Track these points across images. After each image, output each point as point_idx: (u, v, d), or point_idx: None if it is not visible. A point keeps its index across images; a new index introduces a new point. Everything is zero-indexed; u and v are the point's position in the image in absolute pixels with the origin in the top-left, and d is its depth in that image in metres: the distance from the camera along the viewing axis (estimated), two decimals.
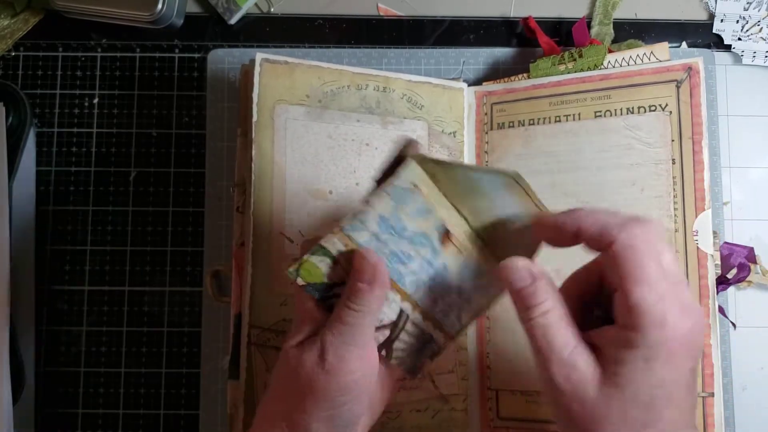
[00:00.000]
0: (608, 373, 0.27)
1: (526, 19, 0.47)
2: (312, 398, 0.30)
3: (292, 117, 0.42)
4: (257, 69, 0.41)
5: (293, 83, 0.42)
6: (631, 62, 0.43)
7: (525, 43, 0.48)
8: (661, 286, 0.26)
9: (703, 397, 0.40)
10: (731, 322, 0.45)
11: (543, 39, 0.46)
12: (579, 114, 0.43)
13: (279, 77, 0.41)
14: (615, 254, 0.27)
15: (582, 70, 0.44)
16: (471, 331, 0.43)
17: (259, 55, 0.41)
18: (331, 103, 0.42)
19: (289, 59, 0.42)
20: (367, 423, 0.33)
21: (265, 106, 0.40)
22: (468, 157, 0.45)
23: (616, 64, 0.43)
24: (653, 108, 0.42)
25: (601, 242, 0.27)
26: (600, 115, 0.43)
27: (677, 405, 0.27)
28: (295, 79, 0.42)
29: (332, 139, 0.42)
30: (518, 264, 0.29)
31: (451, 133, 0.45)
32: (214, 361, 0.45)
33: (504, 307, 0.42)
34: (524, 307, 0.29)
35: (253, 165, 0.40)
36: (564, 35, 0.48)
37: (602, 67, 0.44)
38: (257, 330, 0.39)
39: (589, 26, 0.48)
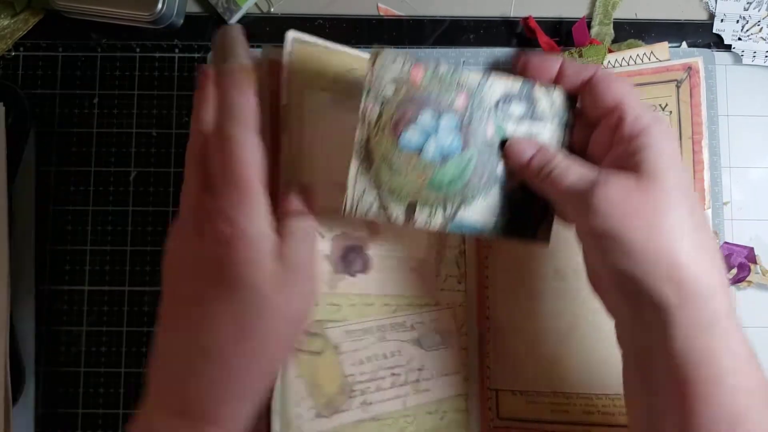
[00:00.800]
0: (641, 175, 0.29)
1: (526, 19, 0.47)
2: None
3: (318, 104, 0.38)
4: (287, 48, 0.37)
5: (323, 68, 0.38)
6: (631, 62, 0.43)
7: (525, 43, 0.48)
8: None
9: None
10: None
11: (543, 39, 0.46)
12: None
13: (307, 61, 0.38)
14: (598, 80, 0.32)
15: None
16: (471, 331, 0.43)
17: (291, 34, 0.36)
18: (355, 90, 0.37)
19: (320, 41, 0.38)
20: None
21: (294, 91, 0.37)
22: None
23: (616, 64, 0.43)
24: (653, 108, 0.42)
25: (581, 76, 0.33)
26: None
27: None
28: (324, 63, 0.38)
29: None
30: (521, 140, 0.34)
31: None
32: None
33: (506, 309, 0.43)
34: (540, 167, 0.32)
35: (281, 155, 0.37)
36: (564, 35, 0.48)
37: (602, 67, 0.44)
38: None
39: (589, 26, 0.48)
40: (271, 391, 0.35)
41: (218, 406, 0.29)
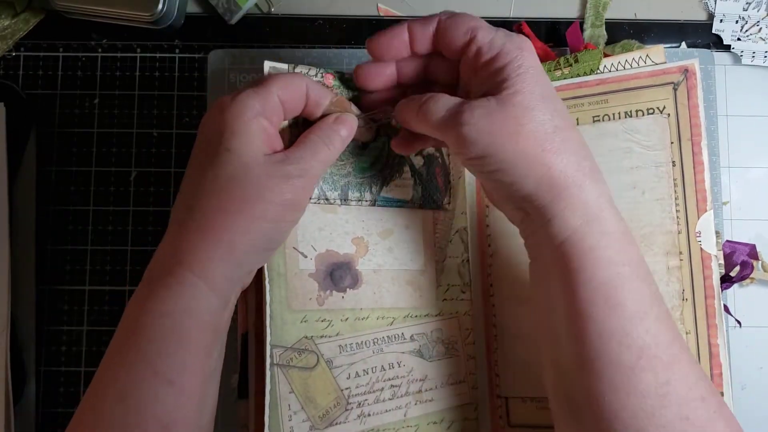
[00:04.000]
0: (500, 93, 0.32)
1: (519, 25, 0.48)
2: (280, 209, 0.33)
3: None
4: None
5: None
6: (627, 66, 0.44)
7: None
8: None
9: None
10: (737, 321, 0.46)
11: (537, 44, 0.46)
12: (577, 119, 0.43)
13: None
14: (444, 24, 0.34)
15: (578, 75, 0.44)
16: (479, 340, 0.43)
17: (267, 64, 0.39)
18: None
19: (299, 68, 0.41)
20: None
21: None
22: None
23: (612, 69, 0.44)
24: (651, 111, 0.42)
25: (428, 31, 0.35)
26: (598, 120, 0.43)
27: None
28: None
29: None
30: (402, 101, 0.36)
31: None
32: (223, 378, 0.44)
33: (512, 316, 0.43)
34: (416, 109, 0.34)
35: None
36: (560, 38, 0.48)
37: (598, 71, 0.44)
38: (279, 349, 0.38)
39: (582, 28, 0.48)
40: (263, 392, 0.37)
41: (194, 252, 0.32)
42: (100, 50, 0.49)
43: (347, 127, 0.36)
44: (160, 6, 0.45)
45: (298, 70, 0.38)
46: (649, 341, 0.30)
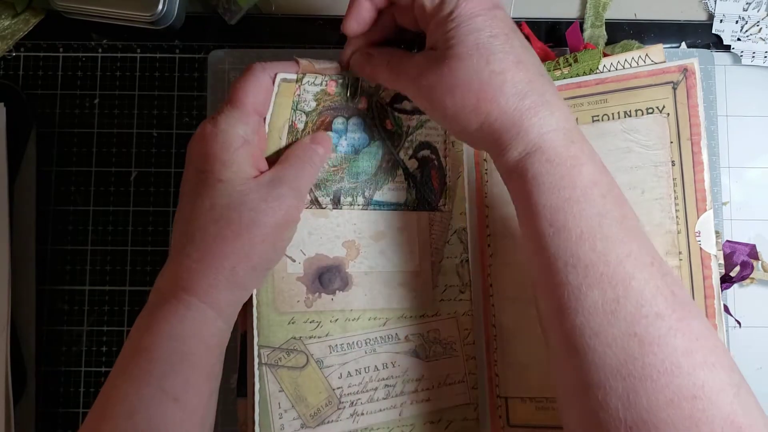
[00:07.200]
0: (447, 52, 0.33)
1: (519, 25, 0.47)
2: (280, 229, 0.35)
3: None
4: (275, 89, 0.39)
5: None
6: (627, 65, 0.44)
7: None
8: None
9: None
10: (737, 321, 0.46)
11: (537, 45, 0.46)
12: (577, 119, 0.43)
13: (291, 96, 0.40)
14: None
15: (578, 75, 0.44)
16: (479, 340, 0.43)
17: (280, 76, 0.39)
18: None
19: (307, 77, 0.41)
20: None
21: (275, 127, 0.39)
22: (468, 165, 0.45)
23: (612, 68, 0.44)
24: (650, 110, 0.42)
25: None
26: (597, 120, 0.43)
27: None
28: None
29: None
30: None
31: (451, 141, 0.45)
32: (223, 378, 0.44)
33: (512, 316, 0.43)
34: (365, 64, 0.38)
35: None
36: (560, 38, 0.48)
37: (597, 71, 0.44)
38: (267, 350, 0.39)
39: (582, 28, 0.48)
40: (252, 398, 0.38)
41: (198, 279, 0.33)
42: (100, 50, 0.49)
43: (323, 145, 0.39)
44: (160, 6, 0.45)
45: (306, 80, 0.39)
46: (594, 259, 0.30)
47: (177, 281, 0.34)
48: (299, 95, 0.39)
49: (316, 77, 0.40)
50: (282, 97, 0.39)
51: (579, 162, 0.32)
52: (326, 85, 0.40)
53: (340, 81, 0.40)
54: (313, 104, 0.40)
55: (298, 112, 0.39)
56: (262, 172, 0.36)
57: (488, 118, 0.32)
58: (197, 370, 0.33)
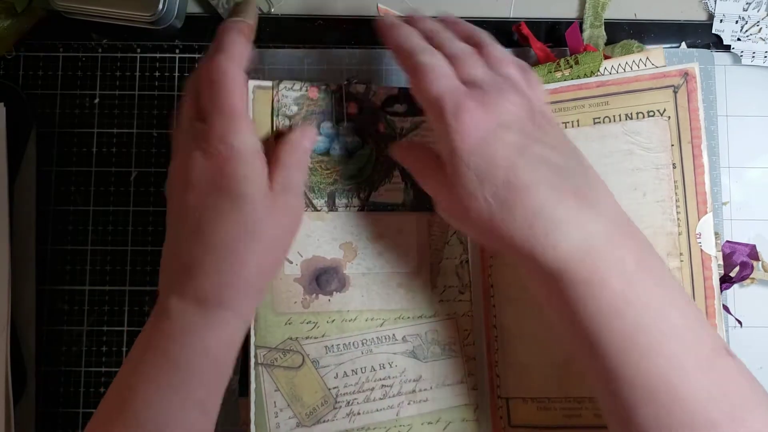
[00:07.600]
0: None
1: (518, 26, 0.48)
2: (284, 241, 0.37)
3: None
4: (251, 96, 0.41)
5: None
6: (628, 68, 0.44)
7: (520, 48, 0.49)
8: None
9: None
10: (737, 321, 0.46)
11: (536, 45, 0.46)
12: (578, 121, 0.43)
13: (269, 103, 0.41)
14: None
15: (579, 77, 0.44)
16: (479, 341, 0.43)
17: (253, 83, 0.40)
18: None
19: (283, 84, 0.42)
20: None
21: (258, 133, 0.40)
22: None
23: (613, 71, 0.44)
24: (651, 113, 0.42)
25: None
26: (599, 122, 0.43)
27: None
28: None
29: None
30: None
31: None
32: None
33: (512, 317, 0.43)
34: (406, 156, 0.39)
35: None
36: (562, 37, 0.48)
37: (599, 73, 0.44)
38: (264, 350, 0.40)
39: (581, 29, 0.48)
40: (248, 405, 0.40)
41: (235, 294, 0.34)
42: (100, 50, 0.49)
43: (308, 138, 0.39)
44: (160, 6, 0.45)
45: (281, 86, 0.40)
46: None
47: (206, 296, 0.34)
48: (278, 101, 0.40)
49: (293, 83, 0.41)
50: (259, 104, 0.40)
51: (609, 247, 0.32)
52: (307, 90, 0.41)
53: (323, 87, 0.41)
54: (295, 108, 0.40)
55: (280, 117, 0.40)
56: (270, 178, 0.36)
57: (503, 240, 0.33)
58: (223, 379, 0.35)
